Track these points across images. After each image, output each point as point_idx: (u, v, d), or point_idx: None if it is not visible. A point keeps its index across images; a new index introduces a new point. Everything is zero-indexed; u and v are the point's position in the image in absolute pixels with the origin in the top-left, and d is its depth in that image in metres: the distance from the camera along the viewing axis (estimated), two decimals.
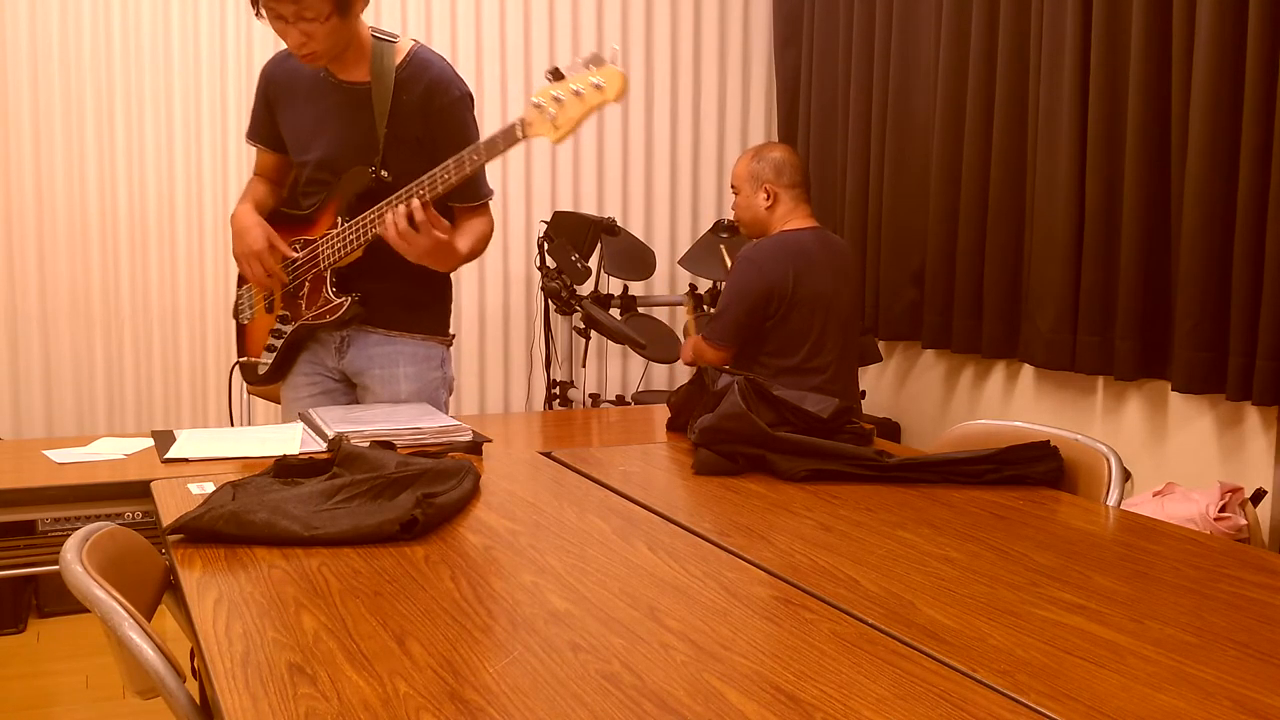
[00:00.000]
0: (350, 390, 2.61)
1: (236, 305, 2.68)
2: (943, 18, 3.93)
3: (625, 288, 4.33)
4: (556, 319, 4.25)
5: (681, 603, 1.32)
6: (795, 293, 3.17)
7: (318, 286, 2.48)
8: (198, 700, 1.22)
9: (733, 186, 3.40)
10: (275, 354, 2.56)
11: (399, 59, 2.44)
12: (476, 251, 2.53)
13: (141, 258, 4.14)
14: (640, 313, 4.21)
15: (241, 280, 2.65)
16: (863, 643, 1.20)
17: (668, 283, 4.76)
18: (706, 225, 4.68)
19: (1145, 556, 1.52)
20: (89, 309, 4.11)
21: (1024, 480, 1.91)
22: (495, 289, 4.56)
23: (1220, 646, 1.20)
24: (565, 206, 4.57)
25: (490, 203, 2.58)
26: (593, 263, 4.06)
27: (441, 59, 2.50)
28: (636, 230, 4.64)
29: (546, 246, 4.03)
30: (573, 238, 3.99)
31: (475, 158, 2.26)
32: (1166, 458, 3.30)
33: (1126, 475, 3.08)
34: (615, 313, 4.13)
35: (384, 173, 2.42)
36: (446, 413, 2.59)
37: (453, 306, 2.70)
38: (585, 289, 4.16)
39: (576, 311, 4.03)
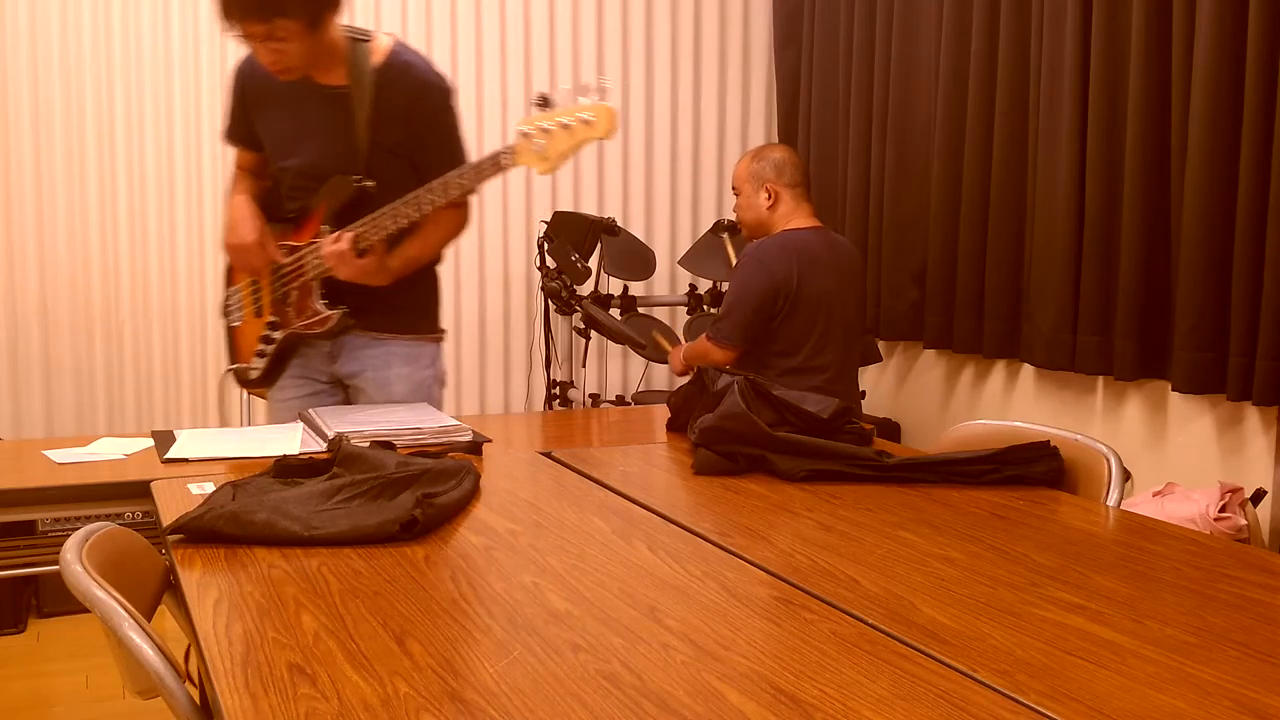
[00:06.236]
0: (339, 392, 2.60)
1: (225, 305, 2.66)
2: (943, 18, 3.93)
3: (625, 288, 4.33)
4: (556, 319, 4.25)
5: (681, 603, 1.32)
6: (800, 291, 3.17)
7: (306, 295, 2.47)
8: (198, 700, 1.22)
9: (734, 188, 3.40)
10: (266, 359, 2.55)
11: (377, 60, 2.40)
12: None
13: (141, 258, 4.14)
14: (640, 313, 4.21)
15: (230, 279, 2.63)
16: (863, 643, 1.20)
17: (668, 283, 4.76)
18: (706, 225, 4.68)
19: (1145, 556, 1.52)
20: (89, 309, 4.11)
21: (1024, 480, 1.91)
22: (495, 289, 4.56)
23: (1220, 646, 1.20)
24: (565, 206, 4.57)
25: (471, 199, 2.55)
26: (593, 263, 4.06)
27: (421, 57, 2.46)
28: (636, 230, 4.65)
29: (546, 246, 4.03)
30: (573, 238, 3.99)
31: (462, 182, 2.27)
32: (1166, 458, 3.30)
33: (1126, 475, 3.08)
34: (615, 313, 4.13)
35: (368, 182, 2.40)
36: (440, 407, 2.59)
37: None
38: (585, 289, 4.16)
39: (576, 311, 4.03)
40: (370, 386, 2.53)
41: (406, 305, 2.55)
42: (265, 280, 2.52)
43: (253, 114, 2.54)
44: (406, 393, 2.53)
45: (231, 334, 2.66)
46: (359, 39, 2.42)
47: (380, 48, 2.42)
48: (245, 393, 3.21)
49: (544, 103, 2.21)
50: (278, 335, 2.53)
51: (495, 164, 2.24)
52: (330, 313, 2.45)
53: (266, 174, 2.61)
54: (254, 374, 2.59)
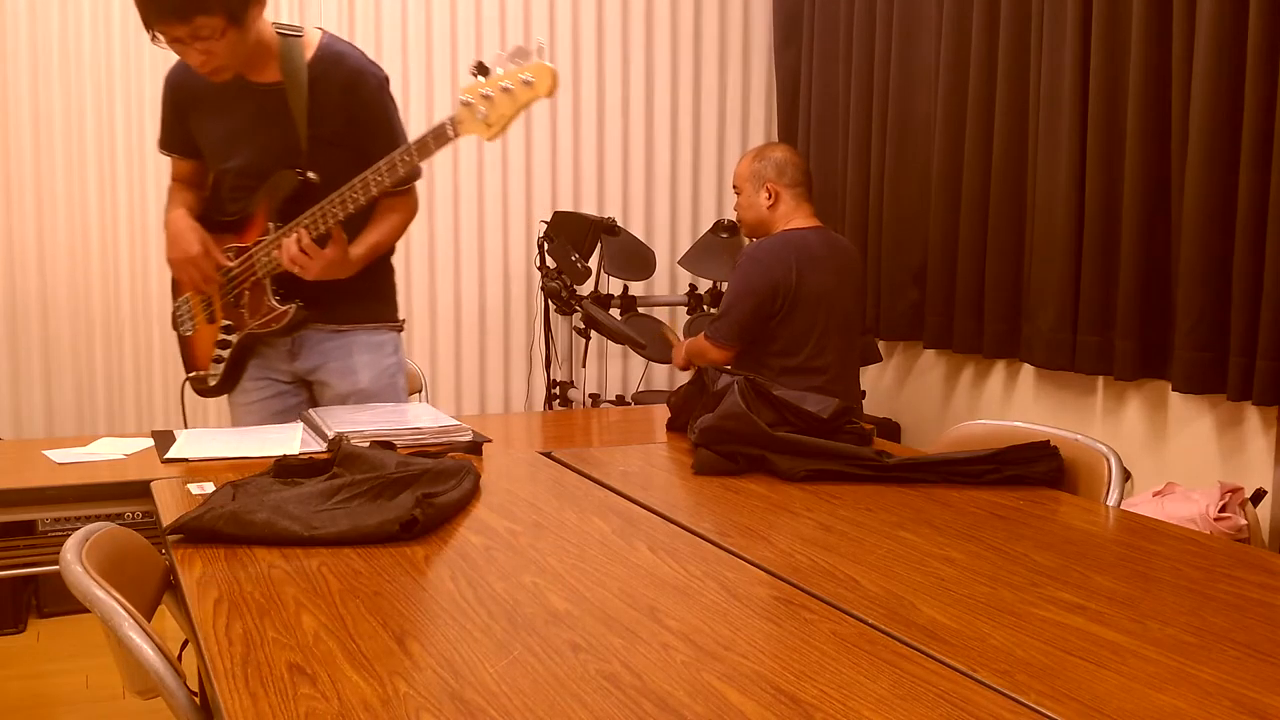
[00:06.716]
0: (301, 391, 2.58)
1: (175, 316, 2.62)
2: (943, 18, 3.93)
3: (625, 288, 4.33)
4: (556, 319, 4.25)
5: (681, 603, 1.32)
6: (799, 290, 3.17)
7: (258, 294, 2.45)
8: (197, 700, 1.22)
9: (735, 186, 3.41)
10: (224, 364, 2.53)
11: (309, 54, 2.40)
12: (384, 245, 2.51)
13: (141, 258, 4.14)
14: (640, 313, 4.21)
15: (177, 290, 2.60)
16: (863, 643, 1.20)
17: (668, 283, 4.76)
18: (706, 225, 4.69)
19: (1145, 556, 1.52)
20: (89, 309, 4.11)
21: (1024, 480, 1.91)
22: (495, 288, 4.56)
23: (1220, 646, 1.20)
24: (565, 206, 4.57)
25: (416, 185, 2.55)
26: (593, 263, 4.06)
27: (352, 47, 2.45)
28: (636, 230, 4.64)
29: (546, 246, 4.03)
30: (573, 238, 4.00)
31: (407, 159, 2.25)
32: (1166, 458, 3.30)
33: (1126, 475, 3.08)
34: (615, 313, 4.13)
35: (310, 174, 2.39)
36: (404, 399, 2.58)
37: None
38: (585, 289, 4.16)
39: (576, 311, 4.03)
40: (334, 378, 2.51)
41: (363, 294, 2.53)
42: (214, 286, 2.50)
43: (189, 120, 2.51)
44: (371, 379, 2.52)
45: (185, 344, 2.62)
46: (289, 35, 2.41)
47: (311, 42, 2.42)
48: None
49: (481, 70, 2.20)
50: (234, 338, 2.50)
51: (441, 136, 2.22)
52: (285, 308, 2.44)
53: (204, 184, 2.58)
54: (212, 380, 2.56)
